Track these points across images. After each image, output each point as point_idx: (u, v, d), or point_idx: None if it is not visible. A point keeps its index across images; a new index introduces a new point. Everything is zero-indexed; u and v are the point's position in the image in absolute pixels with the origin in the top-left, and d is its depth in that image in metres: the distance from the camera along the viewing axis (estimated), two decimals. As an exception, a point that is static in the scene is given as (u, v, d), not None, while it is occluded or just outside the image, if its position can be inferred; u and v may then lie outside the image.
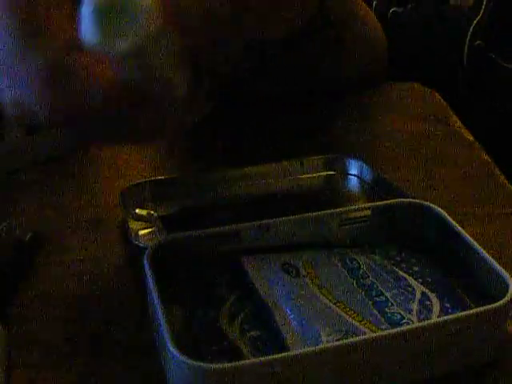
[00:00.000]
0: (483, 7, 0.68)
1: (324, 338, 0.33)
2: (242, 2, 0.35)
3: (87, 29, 0.30)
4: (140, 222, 0.44)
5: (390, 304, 0.36)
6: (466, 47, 0.68)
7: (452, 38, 0.70)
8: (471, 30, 0.68)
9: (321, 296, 0.36)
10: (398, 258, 0.40)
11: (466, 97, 0.69)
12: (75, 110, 0.31)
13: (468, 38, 0.68)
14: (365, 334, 0.34)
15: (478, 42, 0.68)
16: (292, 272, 0.38)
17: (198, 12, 0.33)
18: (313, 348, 0.32)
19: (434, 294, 0.37)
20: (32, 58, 0.30)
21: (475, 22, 0.68)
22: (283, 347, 0.33)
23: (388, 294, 0.37)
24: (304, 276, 0.38)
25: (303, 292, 0.36)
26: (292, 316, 0.35)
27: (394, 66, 0.67)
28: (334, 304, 0.36)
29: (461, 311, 0.35)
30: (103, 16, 0.30)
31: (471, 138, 0.56)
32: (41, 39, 0.30)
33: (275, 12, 0.37)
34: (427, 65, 0.70)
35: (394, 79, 0.65)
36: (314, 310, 0.35)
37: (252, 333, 0.35)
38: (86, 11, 0.30)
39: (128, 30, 0.30)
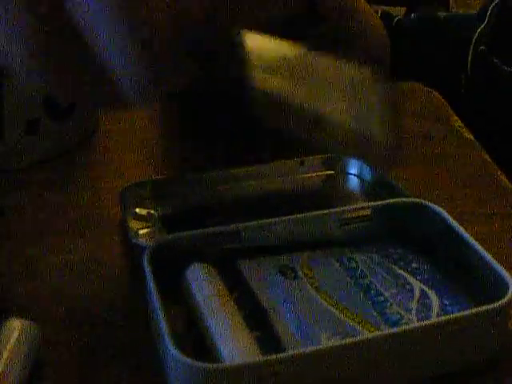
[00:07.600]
0: (488, 14, 0.69)
1: (323, 342, 0.33)
2: None
3: None
4: (140, 222, 0.44)
5: (389, 304, 0.36)
6: (470, 53, 0.68)
7: (456, 44, 0.70)
8: (476, 36, 0.68)
9: (319, 298, 0.36)
10: (396, 256, 0.40)
11: (468, 100, 0.69)
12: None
13: (472, 44, 0.68)
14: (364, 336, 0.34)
15: (481, 47, 0.68)
16: (290, 275, 0.38)
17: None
18: (313, 348, 0.32)
19: (432, 291, 0.37)
20: None
21: (480, 29, 0.69)
22: (282, 351, 0.33)
23: (387, 294, 0.37)
24: (302, 278, 0.37)
25: (301, 295, 0.36)
26: (290, 320, 0.35)
27: (396, 70, 0.67)
28: (333, 306, 0.36)
29: (460, 310, 0.35)
30: None
31: (471, 138, 0.56)
32: None
33: None
34: (430, 69, 0.70)
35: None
36: (312, 313, 0.35)
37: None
38: None
39: None
